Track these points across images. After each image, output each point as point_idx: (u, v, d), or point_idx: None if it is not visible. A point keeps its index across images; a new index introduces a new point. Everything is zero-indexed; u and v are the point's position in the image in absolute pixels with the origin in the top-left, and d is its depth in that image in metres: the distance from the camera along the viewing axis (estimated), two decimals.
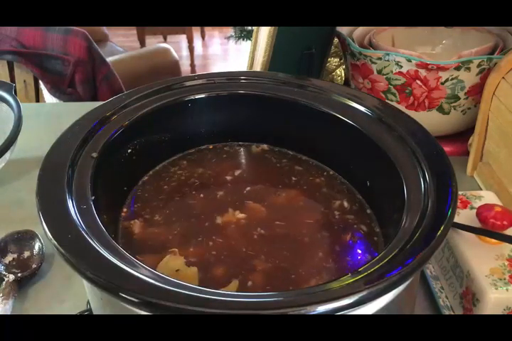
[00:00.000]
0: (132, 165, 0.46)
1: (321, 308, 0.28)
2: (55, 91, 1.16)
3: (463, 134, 0.72)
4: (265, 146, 0.52)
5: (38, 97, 1.21)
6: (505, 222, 0.47)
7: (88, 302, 0.45)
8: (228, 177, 0.48)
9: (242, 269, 0.39)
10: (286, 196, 0.46)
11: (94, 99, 1.23)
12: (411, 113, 0.69)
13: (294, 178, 0.48)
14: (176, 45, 2.93)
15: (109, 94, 1.22)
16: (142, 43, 2.84)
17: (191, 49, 2.82)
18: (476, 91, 0.67)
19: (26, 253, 0.57)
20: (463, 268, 0.48)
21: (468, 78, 0.65)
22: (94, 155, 0.40)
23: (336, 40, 0.79)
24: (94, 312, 0.40)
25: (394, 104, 0.69)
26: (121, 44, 2.41)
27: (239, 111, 0.50)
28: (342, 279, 0.30)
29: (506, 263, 0.46)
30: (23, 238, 0.58)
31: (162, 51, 2.12)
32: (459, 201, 0.53)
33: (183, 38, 3.00)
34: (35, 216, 0.34)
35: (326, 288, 0.30)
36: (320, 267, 0.39)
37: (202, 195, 0.47)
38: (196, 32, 3.12)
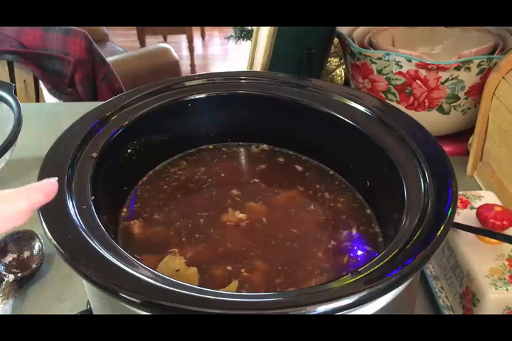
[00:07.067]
0: (132, 165, 0.46)
1: (321, 308, 0.28)
2: (55, 91, 1.16)
3: (463, 134, 0.72)
4: (265, 146, 0.52)
5: (38, 97, 1.21)
6: (505, 222, 0.47)
7: (88, 302, 0.45)
8: (228, 178, 0.48)
9: (241, 269, 0.39)
10: (286, 196, 0.46)
11: (94, 99, 1.22)
12: (411, 113, 0.69)
13: (293, 178, 0.48)
14: (176, 45, 2.93)
15: (109, 94, 1.22)
16: (142, 43, 2.84)
17: (191, 49, 2.82)
18: (476, 91, 0.67)
19: (26, 253, 0.57)
20: (463, 268, 0.48)
21: (468, 78, 0.65)
22: (94, 155, 0.40)
23: (336, 40, 0.79)
24: (94, 312, 0.40)
25: (394, 104, 0.69)
26: (121, 44, 2.40)
27: (239, 111, 0.50)
28: (342, 279, 0.31)
29: (506, 263, 0.46)
30: (23, 238, 0.58)
31: (162, 51, 2.12)
32: (459, 201, 0.53)
33: (183, 38, 3.00)
34: (35, 216, 0.34)
35: (326, 288, 0.30)
36: (320, 267, 0.39)
37: (202, 195, 0.47)
38: (196, 32, 3.12)
